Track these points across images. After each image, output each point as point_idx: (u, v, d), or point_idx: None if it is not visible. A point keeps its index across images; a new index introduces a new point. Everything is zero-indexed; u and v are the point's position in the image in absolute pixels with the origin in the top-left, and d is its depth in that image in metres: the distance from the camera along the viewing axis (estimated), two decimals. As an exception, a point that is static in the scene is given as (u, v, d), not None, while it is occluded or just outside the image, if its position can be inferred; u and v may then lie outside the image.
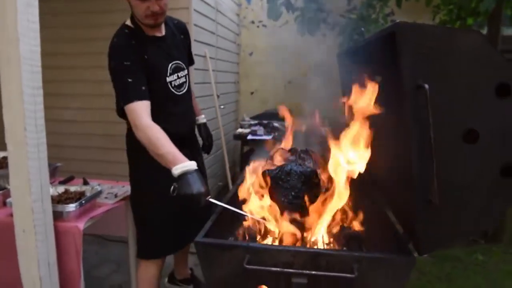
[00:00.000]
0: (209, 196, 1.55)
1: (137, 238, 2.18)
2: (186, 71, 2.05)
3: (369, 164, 1.65)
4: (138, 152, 1.89)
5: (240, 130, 4.72)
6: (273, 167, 1.66)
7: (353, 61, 1.93)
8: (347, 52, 2.18)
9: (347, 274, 1.26)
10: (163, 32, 1.97)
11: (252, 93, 5.73)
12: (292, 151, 1.79)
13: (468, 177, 1.23)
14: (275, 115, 4.52)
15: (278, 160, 1.74)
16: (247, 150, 4.58)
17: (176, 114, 2.00)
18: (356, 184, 1.66)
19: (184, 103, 2.06)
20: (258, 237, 1.62)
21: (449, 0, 3.67)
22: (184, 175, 1.55)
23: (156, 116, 1.82)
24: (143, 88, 1.81)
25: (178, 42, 2.05)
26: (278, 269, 1.29)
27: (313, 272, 1.28)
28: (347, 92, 1.96)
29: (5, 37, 1.64)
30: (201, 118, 2.40)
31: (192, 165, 1.59)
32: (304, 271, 1.28)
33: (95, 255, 3.34)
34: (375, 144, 1.66)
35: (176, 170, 1.56)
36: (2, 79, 1.67)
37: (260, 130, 4.37)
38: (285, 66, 5.01)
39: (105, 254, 3.37)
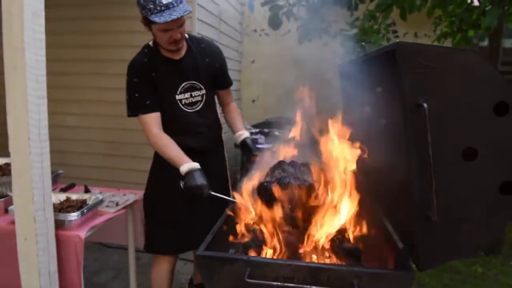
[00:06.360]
0: (211, 190, 1.85)
1: (144, 232, 2.34)
2: (203, 91, 2.19)
3: (368, 178, 1.66)
4: (155, 156, 2.22)
5: (241, 138, 4.71)
6: (272, 179, 1.67)
7: (355, 74, 1.95)
8: (349, 64, 2.20)
9: (347, 289, 1.27)
10: (181, 55, 2.13)
11: (253, 100, 5.75)
12: (292, 164, 1.80)
13: (467, 194, 1.24)
14: (276, 124, 4.52)
15: (278, 173, 1.75)
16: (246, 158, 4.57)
17: (185, 129, 2.16)
18: (355, 197, 1.67)
19: (196, 120, 2.19)
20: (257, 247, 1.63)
21: (451, 12, 3.69)
22: (190, 172, 1.88)
23: (168, 128, 2.08)
24: (148, 102, 2.05)
25: (199, 64, 2.17)
26: (279, 283, 1.30)
27: (314, 287, 1.28)
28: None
29: (11, 45, 1.66)
30: (240, 135, 2.33)
31: (196, 165, 1.91)
32: (305, 286, 1.29)
33: (95, 262, 3.34)
34: (374, 158, 1.67)
35: (183, 168, 1.89)
36: (7, 87, 1.69)
37: (261, 138, 4.37)
38: (286, 74, 5.02)
39: (104, 261, 3.38)
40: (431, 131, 1.15)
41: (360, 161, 1.69)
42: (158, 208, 2.24)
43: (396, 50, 1.17)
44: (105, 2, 3.67)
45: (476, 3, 3.38)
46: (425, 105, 1.14)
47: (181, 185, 1.89)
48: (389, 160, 1.47)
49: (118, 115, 3.89)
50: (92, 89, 3.90)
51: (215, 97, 2.36)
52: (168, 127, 2.09)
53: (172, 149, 1.99)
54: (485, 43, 4.05)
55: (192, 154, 2.02)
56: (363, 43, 3.25)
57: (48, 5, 1.75)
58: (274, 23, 3.61)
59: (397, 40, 1.18)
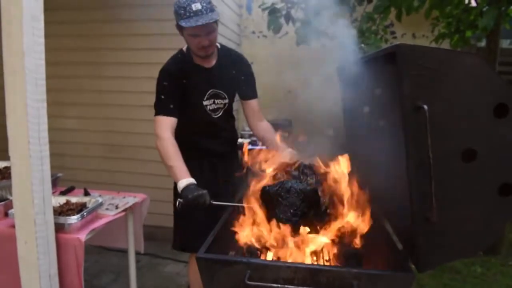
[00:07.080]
0: (212, 200, 1.86)
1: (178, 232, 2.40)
2: (226, 100, 2.33)
3: (367, 180, 1.67)
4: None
5: (240, 140, 4.73)
6: (274, 183, 1.67)
7: (354, 76, 1.95)
8: (348, 66, 2.20)
9: (347, 290, 1.27)
10: (212, 64, 2.26)
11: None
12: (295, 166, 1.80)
13: (467, 196, 1.25)
14: (276, 126, 4.51)
15: (281, 175, 1.75)
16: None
17: (208, 132, 2.32)
18: (356, 200, 1.67)
19: (218, 125, 2.34)
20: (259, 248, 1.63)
21: (448, 13, 3.70)
22: (187, 186, 1.90)
23: (193, 130, 2.25)
24: (171, 106, 2.14)
25: (226, 75, 2.30)
26: (279, 285, 1.30)
27: (313, 289, 1.29)
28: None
29: (11, 49, 1.66)
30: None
31: (193, 180, 1.95)
32: (305, 288, 1.29)
33: (95, 265, 3.34)
34: (374, 160, 1.68)
35: (182, 184, 1.92)
36: (7, 91, 1.69)
37: (260, 139, 4.36)
38: (285, 76, 5.03)
39: (104, 263, 3.38)
40: (431, 133, 1.15)
41: (359, 163, 1.70)
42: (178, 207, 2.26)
43: (396, 52, 1.17)
44: (104, 6, 3.68)
45: (473, 3, 3.40)
46: (426, 107, 1.14)
47: (179, 202, 1.86)
48: (389, 162, 1.48)
49: (117, 118, 3.92)
50: (91, 92, 3.90)
51: (246, 111, 2.47)
52: (193, 130, 2.25)
53: (176, 159, 2.04)
54: (483, 43, 4.06)
55: (212, 155, 2.22)
56: (362, 45, 3.25)
57: (46, 9, 1.76)
58: (275, 27, 3.61)
59: (396, 42, 1.19)
